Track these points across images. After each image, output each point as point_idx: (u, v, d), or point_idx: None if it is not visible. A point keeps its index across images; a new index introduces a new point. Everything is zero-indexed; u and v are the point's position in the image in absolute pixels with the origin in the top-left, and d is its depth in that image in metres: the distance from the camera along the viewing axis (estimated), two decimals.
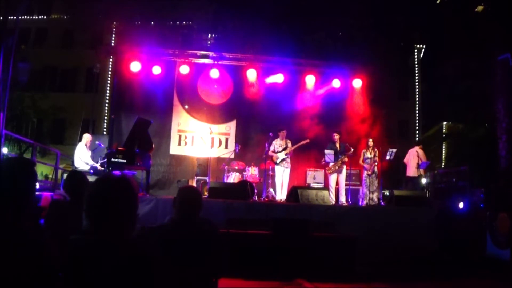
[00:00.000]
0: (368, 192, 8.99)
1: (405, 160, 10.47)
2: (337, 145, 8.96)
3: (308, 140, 9.04)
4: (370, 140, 9.26)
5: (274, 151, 8.93)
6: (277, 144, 8.96)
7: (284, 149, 8.88)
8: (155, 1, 13.41)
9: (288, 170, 8.92)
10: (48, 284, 1.39)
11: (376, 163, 9.11)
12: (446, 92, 19.50)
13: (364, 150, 9.27)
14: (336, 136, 9.02)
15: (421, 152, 10.03)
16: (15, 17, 7.53)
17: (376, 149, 9.18)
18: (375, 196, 8.96)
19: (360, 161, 9.24)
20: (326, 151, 8.84)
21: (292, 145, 8.94)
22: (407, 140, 21.27)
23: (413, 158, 9.99)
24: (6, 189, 1.49)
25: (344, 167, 8.95)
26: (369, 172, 9.05)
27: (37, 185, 8.50)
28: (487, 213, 7.43)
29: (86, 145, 8.45)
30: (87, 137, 8.58)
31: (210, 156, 9.28)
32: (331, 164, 8.89)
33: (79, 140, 8.77)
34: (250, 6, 12.57)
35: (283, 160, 8.86)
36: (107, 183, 1.67)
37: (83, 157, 8.26)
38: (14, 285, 1.33)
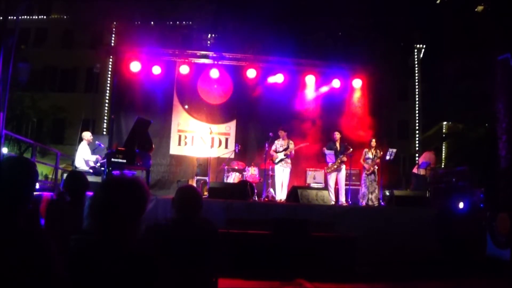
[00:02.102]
0: (367, 192, 8.96)
1: (418, 160, 10.71)
2: (337, 144, 8.95)
3: (307, 143, 9.14)
4: (373, 140, 9.19)
5: (275, 151, 8.93)
6: (279, 144, 8.97)
7: (285, 149, 8.89)
8: (155, 1, 13.40)
9: (288, 170, 8.91)
10: (46, 284, 1.38)
11: (377, 167, 9.07)
12: (446, 92, 19.47)
13: (366, 150, 9.20)
14: (337, 135, 9.00)
15: (433, 157, 10.60)
16: (15, 17, 7.52)
17: (378, 150, 9.14)
18: (374, 196, 8.94)
19: (361, 160, 9.16)
20: (327, 152, 8.83)
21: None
22: (407, 140, 21.31)
23: (427, 160, 10.36)
24: (5, 188, 1.49)
25: (343, 166, 8.92)
26: (368, 172, 9.03)
27: (37, 185, 8.51)
28: (487, 213, 7.41)
29: (87, 144, 8.45)
30: (87, 135, 8.54)
31: (210, 156, 9.28)
32: (330, 163, 8.88)
33: (79, 140, 8.75)
34: (250, 6, 12.56)
35: (281, 160, 8.86)
36: (117, 184, 1.67)
37: (87, 157, 8.23)
38: (12, 285, 1.32)
